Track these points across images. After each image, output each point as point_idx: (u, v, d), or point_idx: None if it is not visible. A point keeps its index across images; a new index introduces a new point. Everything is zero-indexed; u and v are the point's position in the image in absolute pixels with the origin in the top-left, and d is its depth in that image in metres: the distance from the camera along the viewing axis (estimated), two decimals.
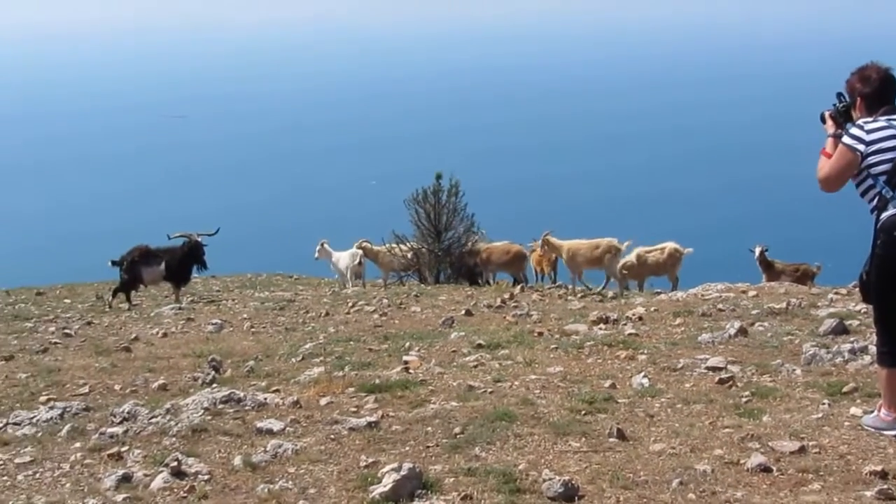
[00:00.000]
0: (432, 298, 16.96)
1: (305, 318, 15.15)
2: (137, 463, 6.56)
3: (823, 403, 7.19)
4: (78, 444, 7.14)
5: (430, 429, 6.96)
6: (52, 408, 8.22)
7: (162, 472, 6.17)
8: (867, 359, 8.31)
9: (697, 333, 10.23)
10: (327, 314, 15.26)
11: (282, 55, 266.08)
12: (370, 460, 6.25)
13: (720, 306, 12.17)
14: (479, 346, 10.24)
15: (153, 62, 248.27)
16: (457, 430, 6.85)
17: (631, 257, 19.90)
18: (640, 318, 11.76)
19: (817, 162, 6.42)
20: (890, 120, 6.19)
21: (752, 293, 13.66)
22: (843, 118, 6.48)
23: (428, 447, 6.56)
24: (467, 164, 63.59)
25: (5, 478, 6.47)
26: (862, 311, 10.66)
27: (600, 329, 11.17)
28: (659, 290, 18.53)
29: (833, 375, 8.11)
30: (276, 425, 7.16)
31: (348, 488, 5.83)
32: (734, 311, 11.83)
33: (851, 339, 9.19)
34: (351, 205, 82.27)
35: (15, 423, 7.96)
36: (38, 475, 6.48)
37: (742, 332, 9.93)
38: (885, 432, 6.36)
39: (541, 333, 11.04)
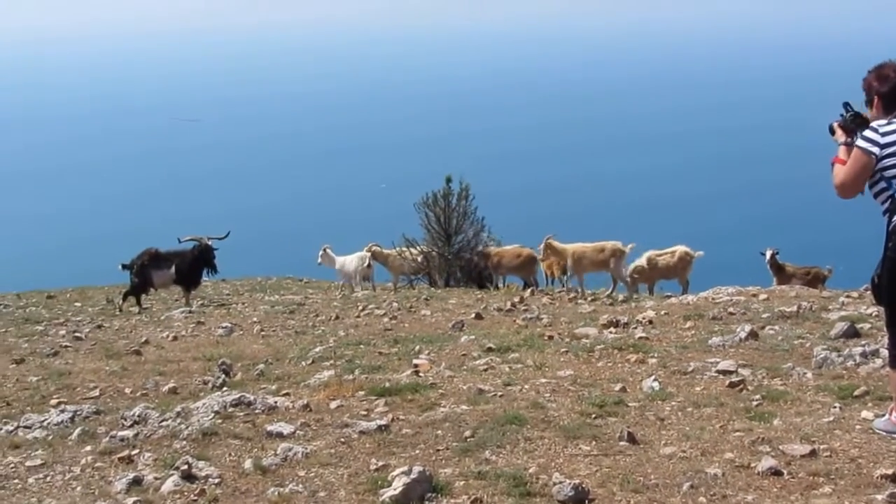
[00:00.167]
0: (442, 302, 16.96)
1: (315, 321, 15.16)
2: (148, 466, 6.57)
3: (834, 407, 7.17)
4: (88, 448, 7.15)
5: (440, 432, 6.95)
6: (62, 411, 8.23)
7: (172, 475, 6.17)
8: (878, 362, 8.28)
9: (708, 337, 10.21)
10: (337, 317, 15.27)
11: (289, 58, 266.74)
12: (380, 463, 6.25)
13: (731, 309, 12.15)
14: (490, 349, 10.23)
15: (160, 65, 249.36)
16: (467, 433, 6.84)
17: (641, 261, 19.83)
18: (651, 322, 11.75)
19: (831, 169, 6.34)
20: None
21: (762, 296, 13.62)
22: (851, 126, 6.44)
23: (438, 450, 6.56)
24: (477, 167, 63.67)
25: (16, 481, 6.48)
26: (873, 314, 10.63)
27: (611, 332, 11.16)
28: (669, 294, 18.51)
29: (844, 379, 8.08)
30: (286, 429, 7.16)
31: (358, 492, 5.83)
32: (745, 314, 11.80)
33: (863, 342, 9.16)
34: (361, 208, 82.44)
35: (26, 427, 7.98)
36: (48, 478, 6.49)
37: (753, 335, 9.90)
38: None
39: (551, 337, 11.03)
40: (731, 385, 7.95)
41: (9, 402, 9.38)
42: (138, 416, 7.77)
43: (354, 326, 13.89)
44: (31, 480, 6.47)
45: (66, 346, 13.49)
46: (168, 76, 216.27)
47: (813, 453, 6.07)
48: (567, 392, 8.07)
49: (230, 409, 7.77)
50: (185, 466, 6.20)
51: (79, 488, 6.24)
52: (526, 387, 8.28)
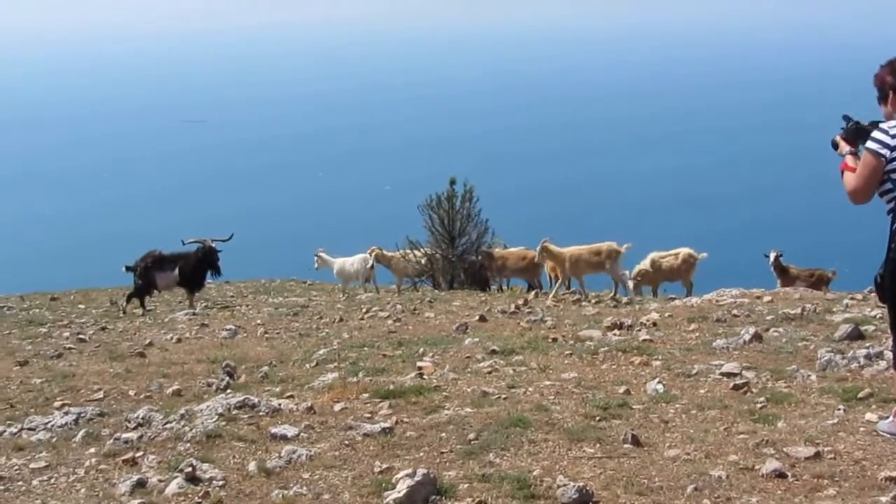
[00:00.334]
0: (446, 304, 16.95)
1: (319, 323, 15.15)
2: (152, 468, 6.57)
3: (839, 409, 7.16)
4: (93, 450, 7.16)
5: (444, 435, 6.95)
6: (66, 413, 8.24)
7: (176, 477, 6.18)
8: (883, 364, 8.27)
9: (712, 339, 10.21)
10: (341, 320, 15.27)
11: (291, 60, 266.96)
12: (384, 466, 6.25)
13: (735, 312, 12.14)
14: (494, 351, 10.23)
15: (161, 66, 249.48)
16: (471, 435, 6.84)
17: (645, 263, 19.80)
18: (655, 324, 11.74)
19: (840, 176, 6.26)
20: None
21: (766, 298, 13.62)
22: (853, 136, 6.39)
23: (442, 453, 6.56)
24: (481, 169, 63.78)
25: (20, 483, 6.49)
26: (878, 316, 10.62)
27: (615, 335, 11.15)
28: (673, 296, 18.48)
29: (848, 381, 8.07)
30: (290, 431, 7.16)
31: (362, 494, 5.83)
32: (749, 316, 11.79)
33: (867, 344, 9.16)
34: (365, 210, 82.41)
35: (30, 429, 7.99)
36: (53, 480, 6.50)
37: (757, 337, 9.90)
38: None
39: (555, 339, 11.02)
40: (735, 387, 7.95)
41: (13, 405, 9.40)
42: (142, 418, 7.78)
43: (358, 329, 13.89)
44: (35, 482, 6.48)
45: (69, 349, 13.50)
46: (169, 77, 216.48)
47: (817, 455, 6.07)
48: (571, 394, 8.07)
49: (234, 412, 7.78)
50: (190, 469, 6.21)
51: (83, 490, 6.25)
52: (530, 389, 8.28)
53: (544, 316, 13.55)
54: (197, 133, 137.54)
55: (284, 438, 7.05)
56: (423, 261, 23.29)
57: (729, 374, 8.44)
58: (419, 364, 9.65)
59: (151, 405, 8.44)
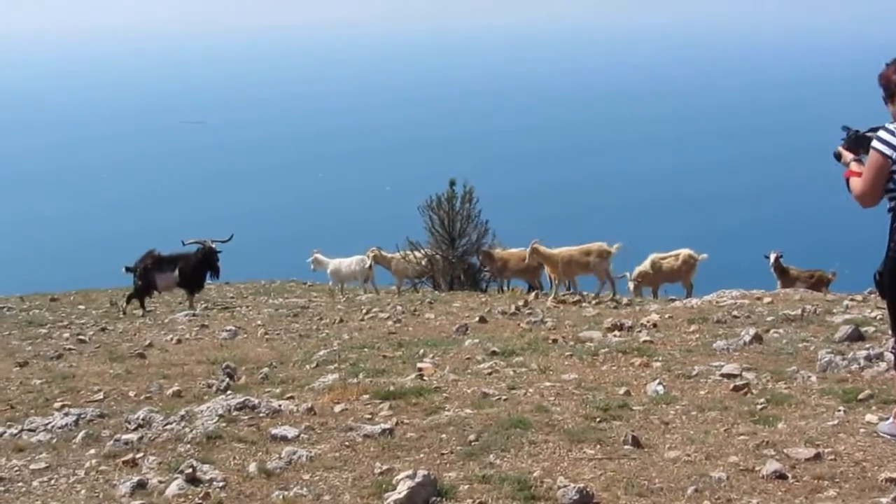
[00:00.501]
0: (446, 305, 16.96)
1: (319, 324, 15.16)
2: (152, 469, 6.57)
3: (839, 410, 7.16)
4: (93, 451, 7.16)
5: (444, 436, 6.95)
6: (66, 414, 8.24)
7: (177, 478, 6.18)
8: (883, 365, 8.28)
9: (712, 340, 10.21)
10: (341, 321, 15.27)
11: (291, 61, 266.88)
12: (385, 467, 6.25)
13: (735, 313, 12.14)
14: (494, 353, 10.22)
15: (161, 68, 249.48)
16: (471, 437, 6.84)
17: (646, 264, 19.80)
18: (655, 325, 11.75)
19: (846, 184, 6.22)
20: None
21: (767, 300, 13.62)
22: (855, 145, 6.38)
23: (442, 454, 6.55)
24: (481, 170, 63.79)
25: (21, 484, 6.49)
26: (878, 317, 10.63)
27: (615, 336, 11.16)
28: (673, 297, 18.49)
29: (848, 382, 8.07)
30: (290, 432, 7.16)
31: (363, 495, 5.83)
32: (749, 317, 11.79)
33: (867, 345, 9.16)
34: (365, 211, 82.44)
35: (30, 430, 7.99)
36: (53, 481, 6.50)
37: (757, 338, 9.90)
38: None
39: (555, 340, 11.03)
40: (736, 388, 7.95)
41: (13, 405, 9.40)
42: (142, 419, 7.78)
43: (358, 330, 13.89)
44: (35, 484, 6.48)
45: (69, 349, 13.50)
46: (169, 78, 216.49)
47: (817, 457, 6.07)
48: (571, 396, 8.07)
49: (234, 413, 7.78)
50: (190, 470, 6.21)
51: (83, 492, 6.25)
52: (530, 390, 8.28)
53: (544, 317, 13.55)
54: (197, 134, 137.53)
55: (285, 439, 7.05)
56: (423, 262, 23.27)
57: (729, 376, 8.44)
58: (419, 365, 9.65)
59: (151, 406, 8.44)
